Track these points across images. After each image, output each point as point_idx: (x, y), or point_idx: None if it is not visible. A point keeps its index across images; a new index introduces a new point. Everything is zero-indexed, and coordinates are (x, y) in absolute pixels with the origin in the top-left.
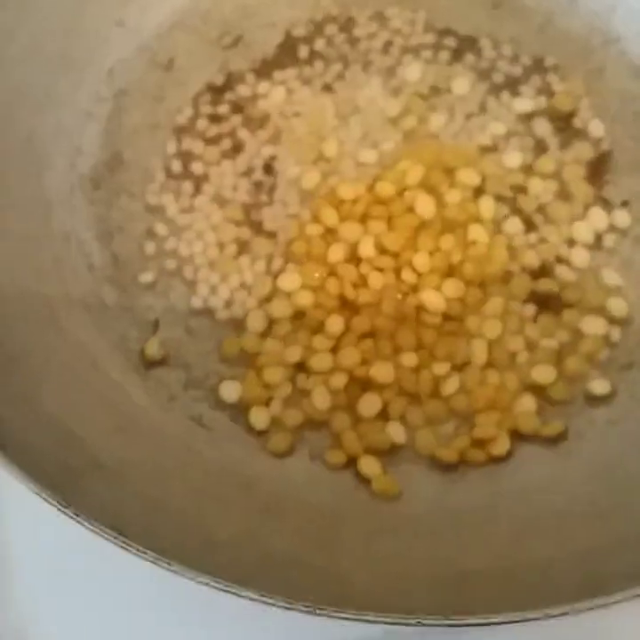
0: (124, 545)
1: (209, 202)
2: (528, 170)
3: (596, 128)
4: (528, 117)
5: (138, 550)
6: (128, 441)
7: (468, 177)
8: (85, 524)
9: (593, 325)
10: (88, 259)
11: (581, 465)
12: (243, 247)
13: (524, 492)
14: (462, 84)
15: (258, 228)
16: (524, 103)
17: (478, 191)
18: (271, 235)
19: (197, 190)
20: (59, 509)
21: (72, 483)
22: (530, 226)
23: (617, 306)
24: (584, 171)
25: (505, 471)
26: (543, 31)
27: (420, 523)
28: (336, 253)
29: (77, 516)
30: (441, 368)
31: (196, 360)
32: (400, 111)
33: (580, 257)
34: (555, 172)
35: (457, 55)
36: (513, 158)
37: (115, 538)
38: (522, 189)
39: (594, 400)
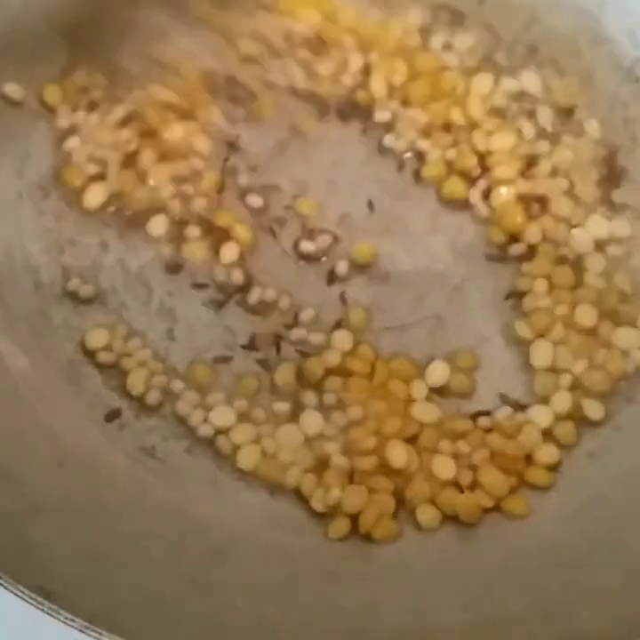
0: (51, 612)
1: None
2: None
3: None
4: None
5: (66, 618)
6: (70, 478)
7: None
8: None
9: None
10: (35, 274)
11: (560, 502)
12: None
13: (502, 533)
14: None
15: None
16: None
17: None
18: None
19: None
20: None
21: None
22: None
23: None
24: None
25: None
26: (529, 28)
27: (387, 568)
28: None
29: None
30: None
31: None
32: None
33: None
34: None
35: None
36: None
37: (41, 604)
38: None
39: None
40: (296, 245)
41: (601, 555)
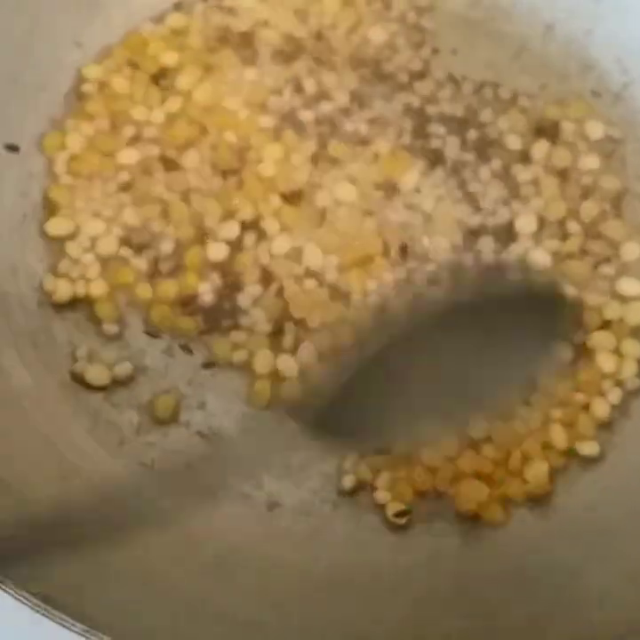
0: (52, 616)
1: None
2: None
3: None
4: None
5: (67, 623)
6: (71, 491)
7: None
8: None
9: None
10: (38, 292)
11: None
12: None
13: (494, 545)
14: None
15: None
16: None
17: None
18: None
19: None
20: None
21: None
22: None
23: None
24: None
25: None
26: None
27: (379, 578)
28: None
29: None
30: None
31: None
32: None
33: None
34: None
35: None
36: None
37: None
38: None
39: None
40: None
41: (595, 561)
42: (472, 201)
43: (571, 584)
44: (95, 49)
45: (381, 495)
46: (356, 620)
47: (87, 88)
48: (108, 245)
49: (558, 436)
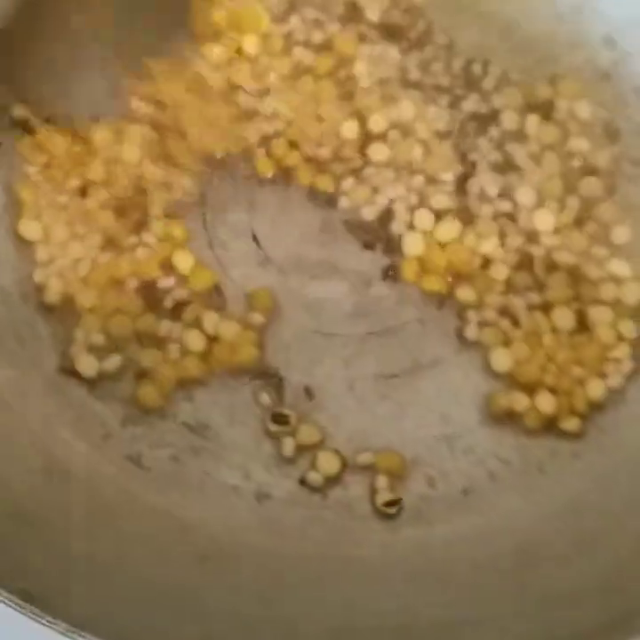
0: (34, 615)
1: None
2: None
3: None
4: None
5: (49, 622)
6: (55, 485)
7: None
8: None
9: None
10: (21, 286)
11: (542, 502)
12: None
13: (483, 533)
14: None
15: None
16: None
17: None
18: None
19: None
20: None
21: None
22: None
23: None
24: None
25: (463, 509)
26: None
27: (369, 568)
28: None
29: None
30: None
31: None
32: None
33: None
34: None
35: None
36: None
37: (22, 607)
38: None
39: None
40: None
41: (580, 555)
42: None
43: (557, 574)
44: None
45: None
46: (346, 610)
47: None
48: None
49: (546, 403)
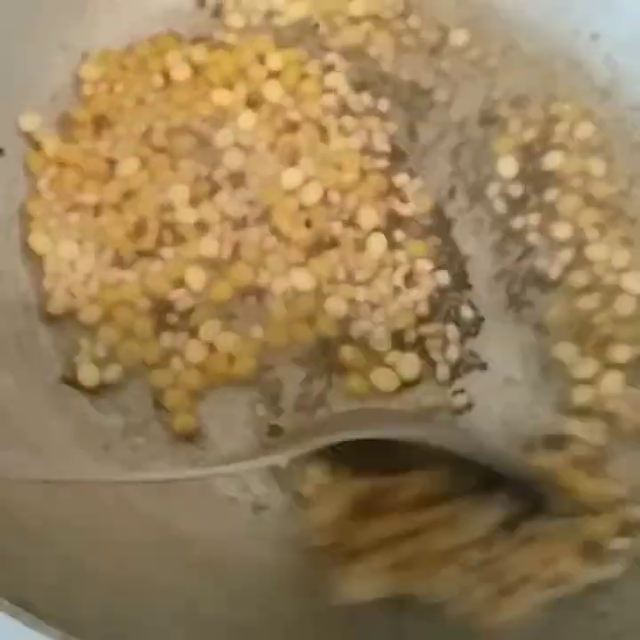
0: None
1: None
2: None
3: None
4: None
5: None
6: (54, 494)
7: None
8: None
9: None
10: (24, 297)
11: None
12: None
13: None
14: None
15: None
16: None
17: None
18: None
19: None
20: None
21: None
22: None
23: None
24: None
25: None
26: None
27: None
28: None
29: None
30: None
31: (137, 403)
32: None
33: None
34: None
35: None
36: None
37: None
38: None
39: None
40: None
41: None
42: None
43: None
44: (82, 51)
45: None
46: (342, 620)
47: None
48: (90, 263)
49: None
